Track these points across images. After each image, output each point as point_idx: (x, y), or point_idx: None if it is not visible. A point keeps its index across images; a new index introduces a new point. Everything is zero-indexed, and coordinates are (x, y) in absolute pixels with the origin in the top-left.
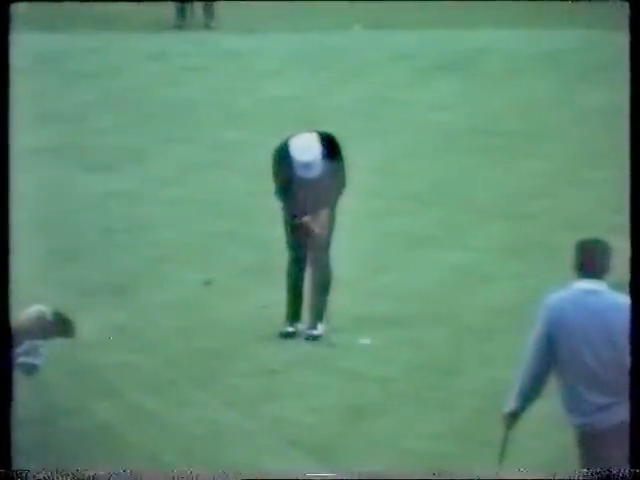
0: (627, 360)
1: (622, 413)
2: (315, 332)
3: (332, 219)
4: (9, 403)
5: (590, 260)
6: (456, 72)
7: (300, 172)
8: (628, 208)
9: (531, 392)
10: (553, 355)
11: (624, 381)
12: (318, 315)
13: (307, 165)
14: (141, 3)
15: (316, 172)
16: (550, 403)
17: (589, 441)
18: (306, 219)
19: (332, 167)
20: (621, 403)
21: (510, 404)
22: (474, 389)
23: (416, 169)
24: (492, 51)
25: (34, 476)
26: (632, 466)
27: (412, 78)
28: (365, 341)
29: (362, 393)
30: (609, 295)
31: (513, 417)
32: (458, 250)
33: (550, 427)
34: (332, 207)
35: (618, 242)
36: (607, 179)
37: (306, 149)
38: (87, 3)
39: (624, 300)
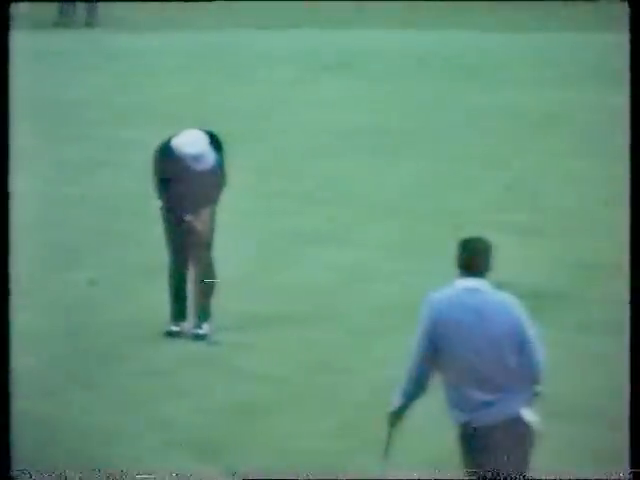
0: (508, 357)
1: (504, 410)
2: (200, 331)
3: (213, 217)
4: (8, 403)
5: (472, 258)
6: (344, 72)
7: (191, 164)
8: (512, 207)
9: (414, 390)
10: (436, 353)
11: (506, 378)
12: (203, 314)
13: (197, 157)
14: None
15: (207, 164)
16: (435, 401)
17: (471, 438)
18: (189, 217)
19: (217, 163)
20: (503, 400)
21: (394, 402)
22: (362, 387)
23: (304, 168)
24: (380, 51)
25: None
26: (632, 466)
27: (301, 78)
28: None
29: (250, 392)
30: (490, 293)
31: (397, 415)
32: (347, 248)
33: (435, 424)
34: (214, 206)
35: (500, 240)
36: (492, 178)
37: (194, 142)
38: None
39: (505, 298)
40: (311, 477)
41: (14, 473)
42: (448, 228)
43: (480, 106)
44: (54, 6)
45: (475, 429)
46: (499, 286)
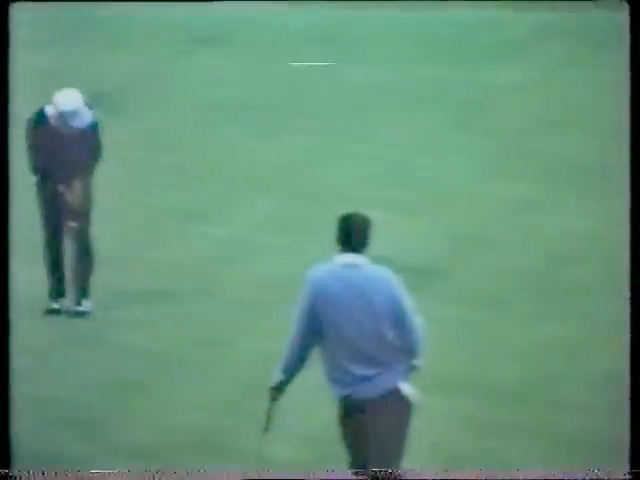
0: (387, 331)
1: (383, 383)
2: (80, 308)
3: (88, 190)
4: (8, 406)
5: (350, 234)
6: (219, 45)
7: (64, 126)
8: (388, 182)
9: (295, 365)
10: (316, 328)
11: (385, 352)
12: (82, 291)
13: (73, 113)
14: None
15: (82, 123)
16: (316, 375)
17: (351, 412)
18: (61, 188)
19: (91, 125)
20: (382, 374)
21: (275, 377)
22: (241, 362)
23: (182, 143)
24: (255, 24)
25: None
26: (632, 466)
27: (175, 52)
28: None
29: (130, 369)
30: (369, 268)
31: (277, 390)
32: (225, 224)
33: (315, 399)
34: (88, 177)
35: (379, 216)
36: (367, 154)
37: (71, 99)
38: None
39: (383, 273)
40: (311, 477)
41: (14, 473)
42: (326, 204)
43: (355, 82)
44: None
45: (354, 403)
46: (377, 261)
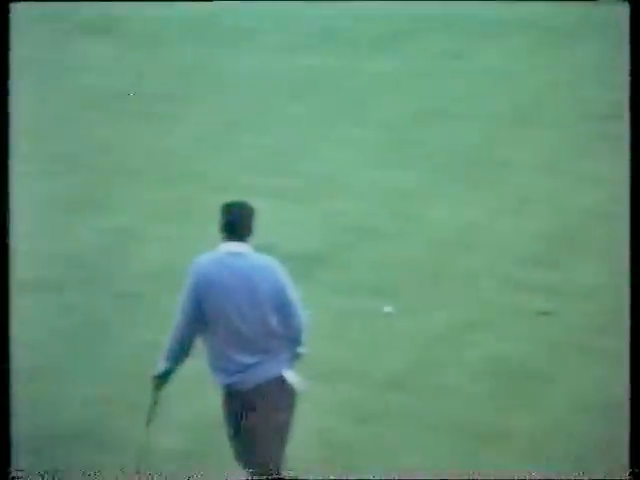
0: (271, 319)
1: (267, 371)
2: None
3: None
4: (8, 404)
5: (234, 222)
6: (105, 36)
7: None
8: (272, 171)
9: (179, 354)
10: (200, 316)
11: (269, 340)
12: None
13: None
14: None
15: None
16: (200, 364)
17: (235, 400)
18: None
19: None
20: (266, 362)
21: (159, 366)
22: (125, 352)
23: (64, 132)
24: (140, 15)
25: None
26: (632, 466)
27: (59, 41)
28: (388, 309)
29: (12, 359)
30: (254, 256)
31: (162, 379)
32: (111, 214)
33: (199, 388)
34: None
35: (264, 204)
36: (252, 142)
37: None
38: None
39: (267, 261)
40: (311, 477)
41: (14, 473)
42: (212, 192)
43: (242, 71)
44: None
45: (238, 391)
46: (262, 249)
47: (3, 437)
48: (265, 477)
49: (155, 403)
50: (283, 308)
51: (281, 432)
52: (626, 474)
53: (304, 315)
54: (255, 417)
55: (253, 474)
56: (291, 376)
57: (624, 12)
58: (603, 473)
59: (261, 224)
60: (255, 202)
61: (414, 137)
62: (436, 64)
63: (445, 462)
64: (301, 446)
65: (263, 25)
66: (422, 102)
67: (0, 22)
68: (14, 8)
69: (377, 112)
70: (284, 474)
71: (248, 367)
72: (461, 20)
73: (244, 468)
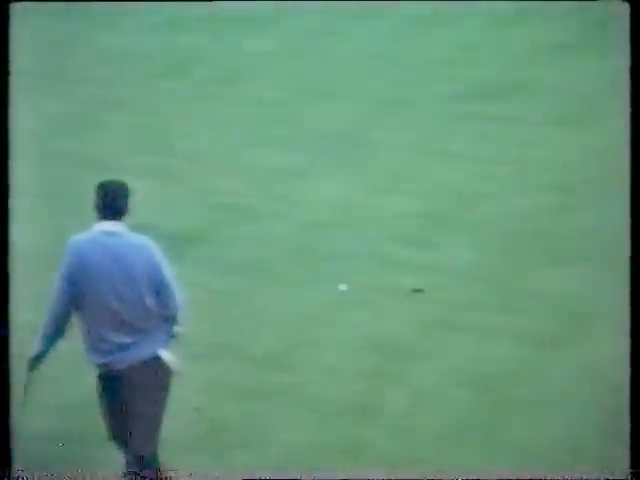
0: (147, 298)
1: (142, 351)
2: None
3: None
4: (8, 406)
5: (108, 201)
6: None
7: None
8: (147, 150)
9: (54, 334)
10: (75, 296)
11: (145, 320)
12: None
13: None
14: None
15: None
16: (76, 344)
17: (109, 380)
18: None
19: None
20: (141, 342)
21: (34, 347)
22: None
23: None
24: None
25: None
26: (632, 466)
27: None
28: (343, 287)
29: None
30: (129, 236)
31: (36, 360)
32: None
33: (75, 369)
34: None
35: (138, 183)
36: (128, 122)
37: None
38: None
39: (142, 240)
40: (311, 477)
41: (14, 473)
42: (85, 171)
43: (114, 50)
44: None
45: (113, 371)
46: (137, 228)
47: (3, 437)
48: (140, 458)
49: (29, 384)
50: (159, 287)
51: (155, 412)
52: (626, 474)
53: (180, 294)
54: (129, 397)
55: (127, 454)
56: (167, 356)
57: (624, 11)
58: (603, 473)
59: (137, 203)
60: (130, 181)
61: (289, 116)
62: (311, 44)
63: (319, 438)
64: (177, 425)
65: (140, 4)
66: (297, 81)
67: (0, 22)
68: (14, 8)
69: (253, 91)
70: (167, 474)
71: (123, 347)
72: (337, 1)
73: (119, 448)
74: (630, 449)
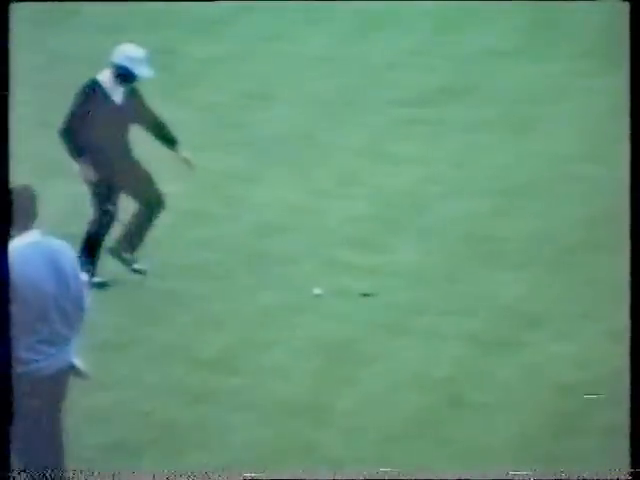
0: (81, 299)
1: (63, 360)
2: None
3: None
4: (8, 407)
5: (18, 208)
6: None
7: (137, 69)
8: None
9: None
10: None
11: (68, 327)
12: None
13: (142, 60)
14: None
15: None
16: None
17: (29, 388)
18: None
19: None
20: (63, 350)
21: None
22: None
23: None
24: None
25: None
26: (632, 466)
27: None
28: (318, 291)
29: None
30: (52, 241)
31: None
32: None
33: None
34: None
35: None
36: None
37: (135, 48)
38: None
39: (66, 246)
40: (312, 477)
41: (14, 473)
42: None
43: (64, 51)
44: None
45: (33, 379)
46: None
47: (3, 437)
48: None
49: None
50: (80, 293)
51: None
52: (626, 474)
53: (88, 299)
54: (47, 405)
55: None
56: (80, 364)
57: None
58: (603, 473)
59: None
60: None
61: (237, 120)
62: (259, 47)
63: (269, 440)
64: (128, 429)
65: (94, 5)
66: (245, 85)
67: (0, 22)
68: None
69: (201, 95)
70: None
71: (49, 356)
72: (284, 4)
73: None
74: (630, 449)
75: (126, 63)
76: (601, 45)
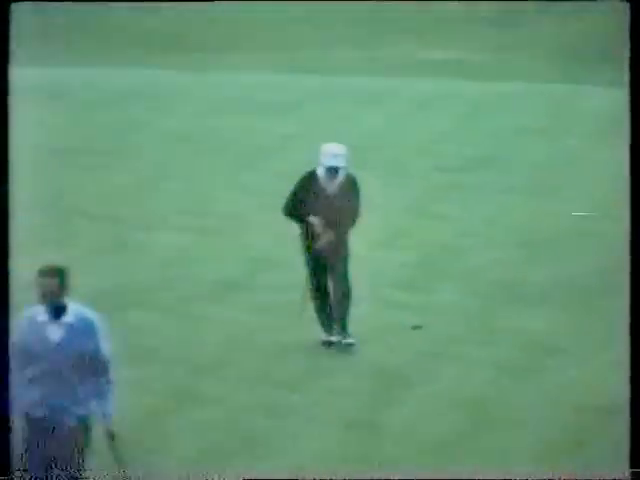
0: None
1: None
2: (349, 340)
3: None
4: (7, 407)
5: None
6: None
7: (332, 162)
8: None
9: None
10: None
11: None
12: (344, 325)
13: (337, 155)
14: None
15: (344, 162)
16: None
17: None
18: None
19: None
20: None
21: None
22: None
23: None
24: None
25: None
26: (632, 466)
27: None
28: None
29: None
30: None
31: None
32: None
33: None
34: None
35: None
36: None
37: (335, 147)
38: None
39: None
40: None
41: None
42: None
43: (169, 131)
44: None
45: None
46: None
47: (3, 437)
48: None
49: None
50: None
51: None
52: (626, 474)
53: None
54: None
55: None
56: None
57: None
58: (603, 473)
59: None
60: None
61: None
62: (328, 126)
63: (331, 449)
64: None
65: (193, 92)
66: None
67: (0, 22)
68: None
69: (276, 164)
70: None
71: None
72: (352, 90)
73: None
74: (630, 449)
75: (332, 162)
76: (607, 125)
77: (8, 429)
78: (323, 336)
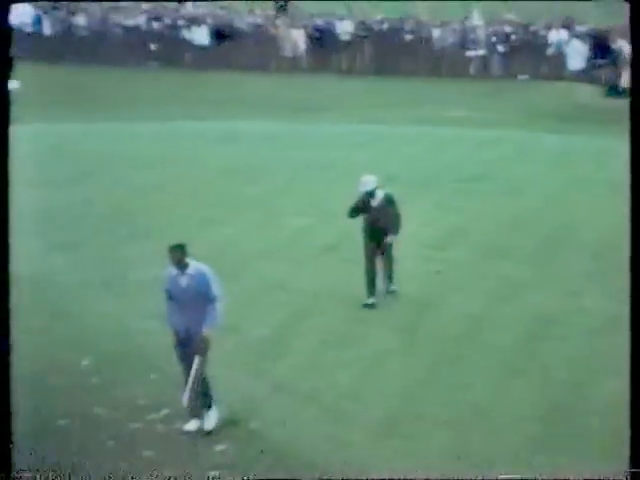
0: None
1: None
2: (392, 287)
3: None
4: (8, 407)
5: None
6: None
7: (362, 188)
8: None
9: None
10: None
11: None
12: (390, 278)
13: (366, 183)
14: None
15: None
16: None
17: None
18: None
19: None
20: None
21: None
22: None
23: None
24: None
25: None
26: (632, 466)
27: None
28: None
29: None
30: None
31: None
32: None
33: None
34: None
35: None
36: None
37: (365, 178)
38: None
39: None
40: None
41: (14, 474)
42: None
43: (240, 161)
44: None
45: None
46: None
47: (3, 438)
48: None
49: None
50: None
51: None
52: (626, 474)
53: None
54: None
55: None
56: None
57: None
58: (603, 473)
59: None
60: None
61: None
62: (358, 157)
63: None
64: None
65: (310, 136)
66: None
67: (0, 23)
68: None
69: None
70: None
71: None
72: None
73: None
74: (630, 449)
75: (362, 188)
76: (557, 157)
77: (8, 429)
78: (367, 300)
